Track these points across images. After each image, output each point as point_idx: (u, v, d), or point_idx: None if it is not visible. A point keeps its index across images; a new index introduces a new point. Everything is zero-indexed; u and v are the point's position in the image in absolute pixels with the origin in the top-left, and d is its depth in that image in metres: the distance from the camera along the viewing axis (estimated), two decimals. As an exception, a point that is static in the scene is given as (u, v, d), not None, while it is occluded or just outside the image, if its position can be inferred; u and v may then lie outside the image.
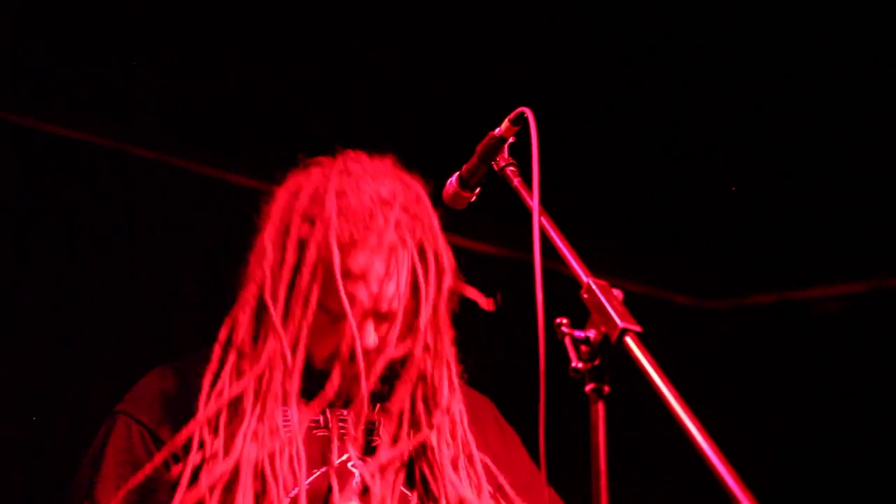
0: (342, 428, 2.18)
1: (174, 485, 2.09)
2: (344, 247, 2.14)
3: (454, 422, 2.23)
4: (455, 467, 2.20)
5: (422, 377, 2.23)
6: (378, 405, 2.24)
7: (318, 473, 2.14)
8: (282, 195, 2.26)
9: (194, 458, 2.10)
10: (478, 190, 2.31)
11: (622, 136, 4.55)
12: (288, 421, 2.13)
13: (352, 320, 2.13)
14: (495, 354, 4.60)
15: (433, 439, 2.20)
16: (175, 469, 2.10)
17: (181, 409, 2.17)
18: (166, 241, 4.27)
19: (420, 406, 2.22)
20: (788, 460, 5.00)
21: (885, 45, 4.04)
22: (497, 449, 2.33)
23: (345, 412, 2.20)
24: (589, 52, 4.14)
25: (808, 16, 3.95)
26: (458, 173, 2.30)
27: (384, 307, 2.16)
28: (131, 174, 4.25)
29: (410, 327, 2.21)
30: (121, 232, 4.20)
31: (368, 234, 2.16)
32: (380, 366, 2.18)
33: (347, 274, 2.13)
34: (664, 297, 5.40)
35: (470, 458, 2.24)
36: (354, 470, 2.15)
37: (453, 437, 2.22)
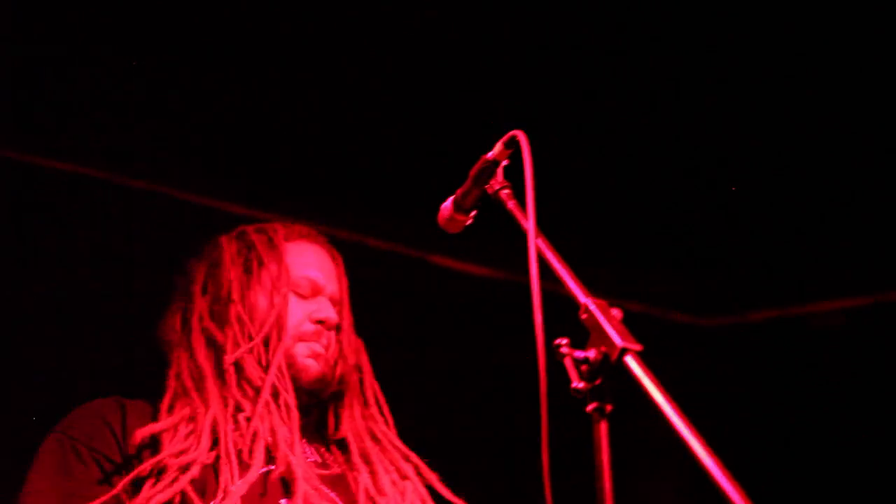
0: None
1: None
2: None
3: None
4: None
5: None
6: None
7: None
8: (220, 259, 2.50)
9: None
10: (473, 213, 2.32)
11: (616, 155, 4.55)
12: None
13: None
14: (497, 379, 4.59)
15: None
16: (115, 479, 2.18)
17: (116, 433, 2.25)
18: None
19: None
20: (791, 475, 4.98)
21: (882, 55, 4.05)
22: None
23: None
24: (580, 69, 4.15)
25: (808, 25, 3.96)
26: (452, 197, 2.31)
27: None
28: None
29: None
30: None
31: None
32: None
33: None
34: (661, 316, 5.39)
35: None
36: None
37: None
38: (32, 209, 4.03)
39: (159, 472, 2.17)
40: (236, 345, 2.38)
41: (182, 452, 2.19)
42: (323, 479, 2.33)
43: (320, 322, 2.45)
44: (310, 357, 2.42)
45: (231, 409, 2.31)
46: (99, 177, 4.16)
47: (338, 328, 2.50)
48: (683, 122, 4.43)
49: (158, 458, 2.18)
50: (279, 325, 2.41)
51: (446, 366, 4.77)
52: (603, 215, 4.82)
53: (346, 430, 2.47)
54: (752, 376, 5.27)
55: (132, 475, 2.16)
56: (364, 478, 2.39)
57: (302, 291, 2.48)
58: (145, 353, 2.54)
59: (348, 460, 2.45)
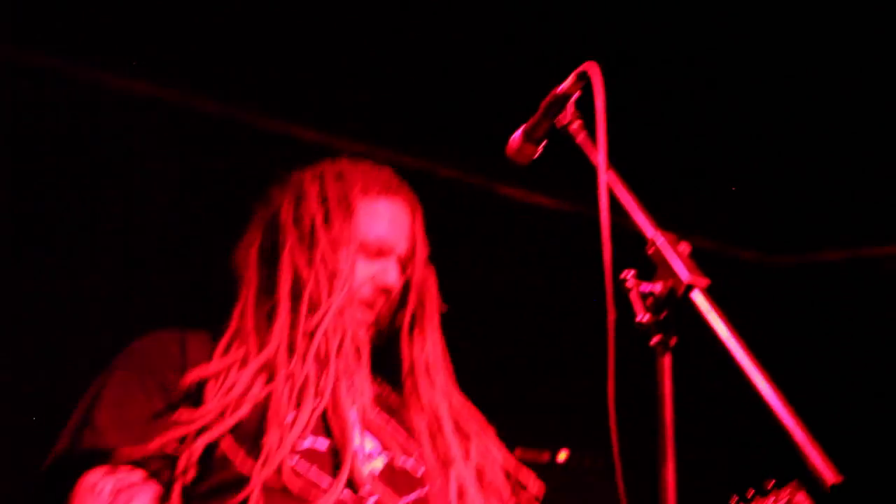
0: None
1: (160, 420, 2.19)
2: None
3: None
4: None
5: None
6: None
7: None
8: (306, 191, 2.49)
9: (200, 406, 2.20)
10: (542, 145, 2.32)
11: (689, 89, 4.50)
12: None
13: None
14: (563, 312, 4.60)
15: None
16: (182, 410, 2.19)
17: (175, 365, 2.26)
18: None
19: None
20: (855, 416, 4.94)
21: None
22: None
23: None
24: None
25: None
26: (522, 128, 2.31)
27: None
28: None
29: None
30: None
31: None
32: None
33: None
34: (730, 253, 5.34)
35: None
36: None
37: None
38: (106, 133, 4.07)
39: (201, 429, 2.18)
40: (316, 291, 2.38)
41: (222, 413, 2.19)
42: (379, 415, 2.36)
43: (384, 291, 2.45)
44: (361, 326, 2.42)
45: (286, 351, 2.31)
46: (173, 101, 4.19)
47: (406, 285, 2.50)
48: (758, 56, 4.37)
49: (198, 416, 2.19)
50: (348, 281, 2.40)
51: (513, 298, 4.78)
52: (673, 150, 4.78)
53: (407, 372, 2.48)
54: (821, 317, 5.22)
55: (173, 434, 2.17)
56: (424, 418, 2.41)
57: (371, 249, 2.47)
58: (212, 281, 2.54)
59: (404, 400, 2.47)
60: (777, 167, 4.88)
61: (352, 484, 2.18)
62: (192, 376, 2.23)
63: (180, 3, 3.86)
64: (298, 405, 2.22)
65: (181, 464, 2.14)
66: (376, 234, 2.47)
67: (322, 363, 2.29)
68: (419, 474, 2.32)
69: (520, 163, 2.33)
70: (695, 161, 4.86)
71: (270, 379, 2.25)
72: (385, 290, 2.44)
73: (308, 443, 2.21)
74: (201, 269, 3.93)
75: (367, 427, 2.29)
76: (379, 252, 2.47)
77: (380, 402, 2.40)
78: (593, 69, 1.98)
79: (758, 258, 5.42)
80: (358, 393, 2.29)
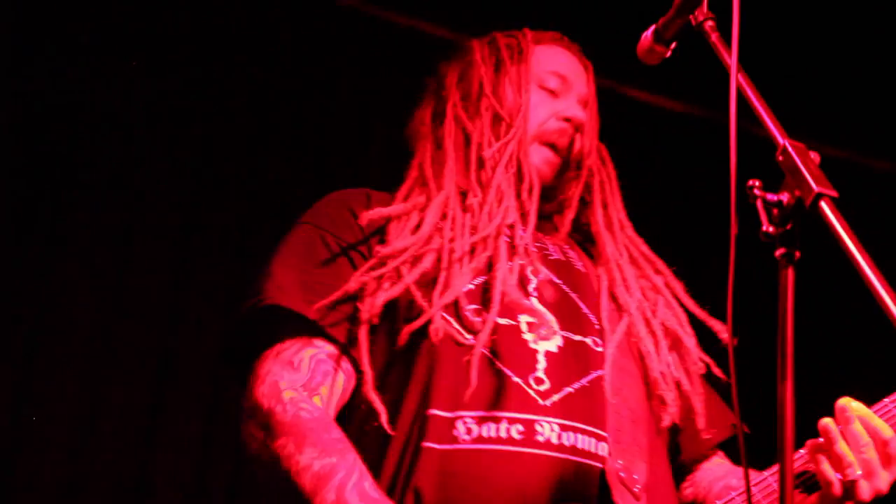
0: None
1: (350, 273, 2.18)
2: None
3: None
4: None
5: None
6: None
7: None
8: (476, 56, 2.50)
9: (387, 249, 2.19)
10: (673, 45, 2.26)
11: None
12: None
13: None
14: (686, 219, 4.53)
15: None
16: (377, 249, 2.18)
17: (361, 221, 2.25)
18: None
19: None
20: None
21: None
22: None
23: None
24: None
25: None
26: (653, 27, 2.24)
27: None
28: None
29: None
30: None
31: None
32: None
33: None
34: (864, 163, 5.18)
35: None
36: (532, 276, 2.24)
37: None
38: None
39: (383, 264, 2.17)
40: (483, 137, 2.38)
41: (405, 249, 2.18)
42: (554, 270, 2.30)
43: (567, 120, 2.43)
44: (543, 163, 2.40)
45: (459, 197, 2.31)
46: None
47: (581, 129, 2.46)
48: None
49: (383, 253, 2.17)
50: (524, 120, 2.39)
51: (637, 207, 4.72)
52: (808, 57, 4.62)
53: (593, 228, 2.44)
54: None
55: (362, 272, 2.16)
56: (612, 275, 2.35)
57: (550, 86, 2.46)
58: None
59: (591, 258, 2.43)
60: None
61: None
62: (374, 214, 2.23)
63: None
64: (472, 252, 2.21)
65: (364, 312, 2.12)
66: (554, 67, 2.49)
67: (498, 199, 2.28)
68: (599, 350, 2.21)
69: (650, 63, 2.28)
70: (829, 69, 4.70)
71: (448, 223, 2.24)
72: (569, 121, 2.43)
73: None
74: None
75: (542, 297, 2.23)
76: (559, 86, 2.48)
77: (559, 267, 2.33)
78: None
79: (892, 168, 5.25)
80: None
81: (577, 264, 2.38)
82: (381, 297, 2.13)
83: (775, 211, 1.60)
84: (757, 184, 1.61)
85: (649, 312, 2.32)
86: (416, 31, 4.43)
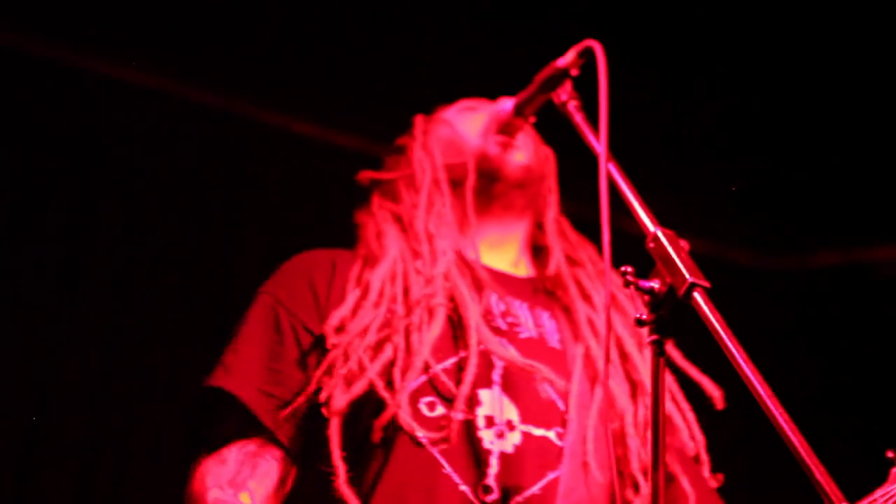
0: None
1: (304, 362, 2.08)
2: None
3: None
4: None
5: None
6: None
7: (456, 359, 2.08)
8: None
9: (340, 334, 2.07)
10: (532, 120, 2.26)
11: (684, 89, 4.44)
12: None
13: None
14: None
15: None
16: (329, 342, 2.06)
17: (320, 297, 2.15)
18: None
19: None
20: (850, 421, 4.93)
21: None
22: None
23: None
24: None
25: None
26: (514, 101, 2.24)
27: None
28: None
29: None
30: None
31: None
32: None
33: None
34: (722, 255, 5.29)
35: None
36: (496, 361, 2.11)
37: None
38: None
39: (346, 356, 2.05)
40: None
41: (365, 331, 2.07)
42: (525, 350, 2.14)
43: (500, 113, 2.29)
44: (504, 152, 2.27)
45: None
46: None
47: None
48: (756, 53, 4.32)
49: (341, 347, 2.05)
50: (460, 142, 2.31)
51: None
52: (670, 147, 4.72)
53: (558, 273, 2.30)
54: (815, 321, 5.19)
55: (322, 369, 2.04)
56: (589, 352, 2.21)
57: (467, 106, 2.39)
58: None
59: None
60: (773, 169, 4.83)
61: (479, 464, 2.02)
62: (335, 322, 2.09)
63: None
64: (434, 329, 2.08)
65: (330, 413, 1.99)
66: (465, 104, 2.41)
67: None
68: (560, 444, 2.07)
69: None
70: (690, 161, 4.80)
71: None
72: (501, 112, 2.28)
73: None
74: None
75: (506, 384, 2.09)
76: (479, 105, 2.38)
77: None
78: (597, 46, 1.92)
79: (753, 260, 5.38)
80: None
81: (552, 339, 2.23)
82: (345, 399, 2.00)
83: (647, 298, 1.60)
84: (630, 270, 1.61)
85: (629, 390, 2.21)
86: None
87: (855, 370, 5.01)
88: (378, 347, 2.05)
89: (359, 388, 2.00)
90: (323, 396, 2.01)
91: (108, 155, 3.95)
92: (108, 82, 3.95)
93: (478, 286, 2.18)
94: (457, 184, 2.29)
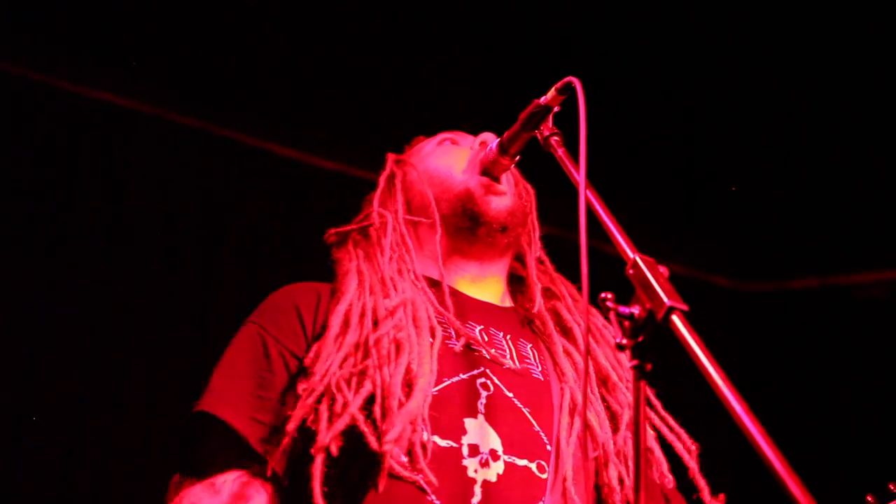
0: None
1: (291, 391, 2.07)
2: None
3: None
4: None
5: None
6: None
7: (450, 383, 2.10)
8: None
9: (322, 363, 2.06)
10: (517, 158, 2.29)
11: (662, 115, 4.49)
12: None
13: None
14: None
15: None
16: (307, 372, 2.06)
17: (307, 326, 2.15)
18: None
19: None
20: (828, 442, 4.94)
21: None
22: None
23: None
24: (638, 21, 4.09)
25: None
26: (498, 140, 2.28)
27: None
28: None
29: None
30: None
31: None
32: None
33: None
34: (702, 279, 5.33)
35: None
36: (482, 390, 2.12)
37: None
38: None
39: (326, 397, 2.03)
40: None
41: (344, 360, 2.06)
42: (508, 382, 2.15)
43: (482, 143, 2.35)
44: (488, 194, 2.30)
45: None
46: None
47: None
48: (734, 84, 4.37)
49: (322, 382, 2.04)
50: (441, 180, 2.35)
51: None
52: (648, 175, 4.76)
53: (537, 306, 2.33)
54: (793, 344, 5.21)
55: (306, 399, 2.03)
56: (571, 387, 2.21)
57: (450, 139, 2.43)
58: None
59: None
60: (751, 195, 4.88)
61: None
62: (312, 354, 2.09)
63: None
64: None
65: (314, 450, 1.97)
66: (444, 136, 2.46)
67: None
68: (543, 476, 2.08)
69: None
70: (671, 187, 4.85)
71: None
72: (483, 143, 2.34)
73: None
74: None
75: (490, 414, 2.09)
76: (461, 138, 2.44)
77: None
78: (577, 83, 1.96)
79: (731, 285, 5.42)
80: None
81: (535, 370, 2.24)
82: (329, 436, 1.98)
83: (627, 323, 1.61)
84: (610, 296, 1.63)
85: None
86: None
87: (833, 389, 5.04)
88: (359, 381, 2.04)
89: (341, 424, 1.99)
90: (309, 423, 2.00)
91: (88, 174, 4.00)
92: (88, 101, 4.04)
93: (462, 317, 2.20)
94: (442, 217, 2.32)
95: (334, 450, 1.95)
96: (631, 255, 1.70)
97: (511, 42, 4.20)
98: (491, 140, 2.33)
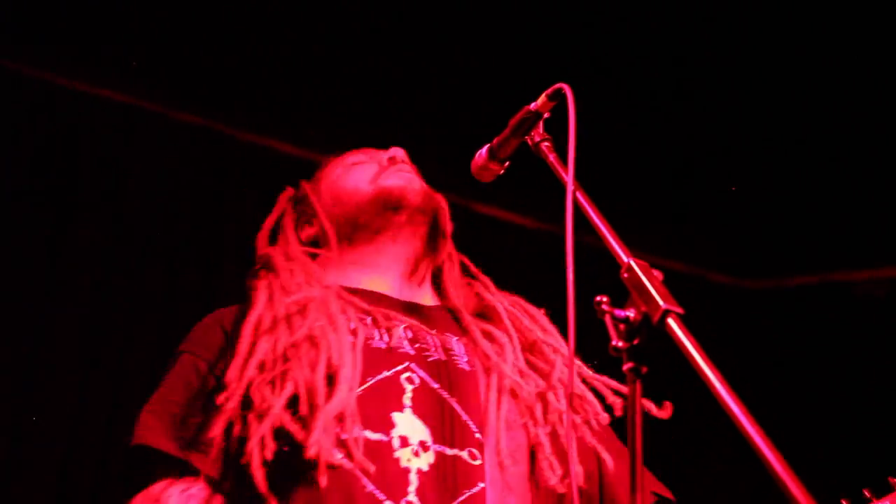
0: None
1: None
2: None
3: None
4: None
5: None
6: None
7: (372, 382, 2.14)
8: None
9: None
10: (507, 164, 2.29)
11: (661, 113, 4.49)
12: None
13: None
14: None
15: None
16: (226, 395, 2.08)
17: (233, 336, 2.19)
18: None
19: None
20: (829, 441, 4.93)
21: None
22: None
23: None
24: (627, 23, 4.09)
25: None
26: (488, 146, 2.28)
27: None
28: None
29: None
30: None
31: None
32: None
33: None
34: (703, 276, 5.34)
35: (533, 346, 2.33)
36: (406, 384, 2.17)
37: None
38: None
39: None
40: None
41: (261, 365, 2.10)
42: (433, 373, 2.19)
43: (391, 159, 2.46)
44: (400, 180, 2.42)
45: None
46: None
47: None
48: (729, 81, 4.37)
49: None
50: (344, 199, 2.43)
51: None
52: (647, 174, 4.76)
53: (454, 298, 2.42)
54: (794, 341, 5.21)
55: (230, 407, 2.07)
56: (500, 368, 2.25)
57: (360, 158, 2.50)
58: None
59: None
60: (751, 192, 4.88)
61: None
62: (236, 371, 2.11)
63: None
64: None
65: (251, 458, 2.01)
66: (352, 159, 2.54)
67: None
68: (476, 463, 2.12)
69: (483, 180, 2.31)
70: (670, 185, 4.85)
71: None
72: (392, 158, 2.45)
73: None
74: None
75: (417, 406, 2.14)
76: (370, 156, 2.52)
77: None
78: (567, 89, 1.96)
79: (731, 282, 5.42)
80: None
81: (461, 361, 2.27)
82: (255, 440, 2.02)
83: (622, 326, 1.62)
84: (605, 300, 1.63)
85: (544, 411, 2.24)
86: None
87: (833, 386, 5.03)
88: (280, 383, 2.08)
89: (267, 426, 2.03)
90: (238, 431, 2.05)
91: (89, 172, 4.03)
92: (88, 98, 4.06)
93: (386, 316, 2.27)
94: (360, 226, 2.42)
95: (268, 454, 1.99)
96: (625, 258, 1.71)
97: (501, 47, 4.20)
98: (400, 155, 2.47)
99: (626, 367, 1.61)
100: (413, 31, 4.16)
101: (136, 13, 3.96)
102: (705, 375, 1.51)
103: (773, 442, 1.47)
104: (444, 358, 2.25)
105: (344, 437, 2.03)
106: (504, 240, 4.91)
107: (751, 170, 4.78)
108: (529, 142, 2.10)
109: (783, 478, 1.45)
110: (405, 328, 2.27)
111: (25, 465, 3.73)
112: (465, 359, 2.28)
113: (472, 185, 2.35)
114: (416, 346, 2.24)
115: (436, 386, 2.19)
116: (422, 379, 2.18)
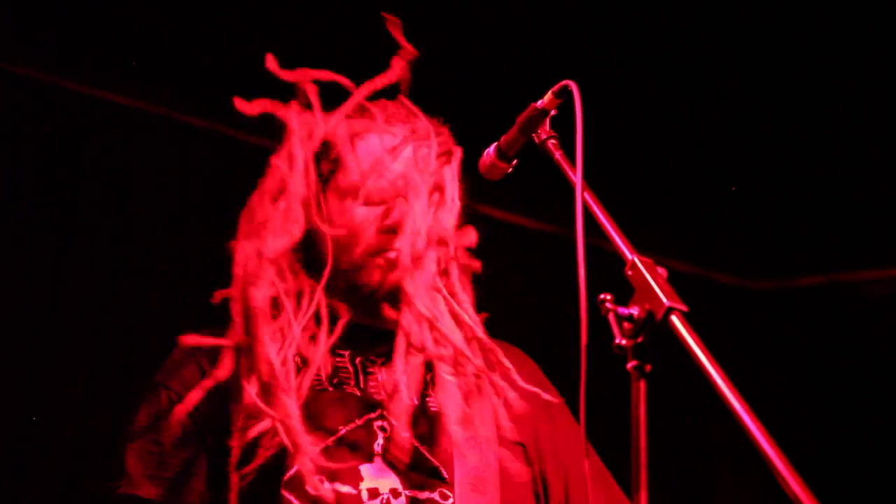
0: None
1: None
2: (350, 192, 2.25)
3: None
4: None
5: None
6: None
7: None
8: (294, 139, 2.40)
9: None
10: (515, 162, 2.28)
11: (667, 112, 4.49)
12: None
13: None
14: (539, 331, 4.56)
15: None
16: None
17: (208, 369, 2.14)
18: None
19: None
20: (832, 441, 4.93)
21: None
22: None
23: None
24: (634, 21, 4.09)
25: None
26: (496, 144, 2.27)
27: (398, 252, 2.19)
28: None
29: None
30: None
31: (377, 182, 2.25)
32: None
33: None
34: (709, 277, 5.33)
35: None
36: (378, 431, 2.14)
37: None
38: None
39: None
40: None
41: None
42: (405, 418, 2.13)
43: (390, 231, 2.24)
44: (376, 269, 2.21)
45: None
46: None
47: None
48: (737, 81, 4.36)
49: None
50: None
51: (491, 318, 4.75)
52: (653, 173, 4.76)
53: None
54: (800, 342, 5.21)
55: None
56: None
57: (369, 200, 2.27)
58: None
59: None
60: (757, 192, 4.87)
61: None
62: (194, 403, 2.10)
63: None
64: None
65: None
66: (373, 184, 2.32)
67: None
68: (447, 502, 2.11)
69: (491, 179, 2.30)
70: (675, 185, 4.84)
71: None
72: (392, 231, 2.23)
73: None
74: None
75: (388, 454, 2.11)
76: (380, 198, 2.29)
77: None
78: (573, 86, 1.96)
79: (737, 283, 5.41)
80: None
81: (432, 403, 2.20)
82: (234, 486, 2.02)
83: (626, 324, 1.61)
84: (608, 297, 1.63)
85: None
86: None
87: (840, 387, 5.03)
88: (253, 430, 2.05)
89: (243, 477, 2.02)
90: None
91: (91, 173, 4.04)
92: (91, 100, 4.06)
93: (362, 352, 2.21)
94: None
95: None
96: (629, 256, 1.70)
97: (507, 45, 4.19)
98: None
99: (630, 364, 1.61)
100: (417, 30, 4.16)
101: (138, 14, 3.96)
102: (709, 374, 1.51)
103: (777, 442, 1.47)
104: (416, 402, 2.16)
105: (312, 492, 2.01)
106: (504, 240, 4.91)
107: (757, 169, 4.78)
108: (536, 140, 2.09)
109: (787, 478, 1.45)
110: (381, 364, 2.21)
111: (30, 466, 3.74)
112: (434, 397, 2.19)
113: (473, 185, 2.34)
114: (389, 388, 2.17)
115: (406, 435, 2.11)
116: (392, 426, 2.13)
